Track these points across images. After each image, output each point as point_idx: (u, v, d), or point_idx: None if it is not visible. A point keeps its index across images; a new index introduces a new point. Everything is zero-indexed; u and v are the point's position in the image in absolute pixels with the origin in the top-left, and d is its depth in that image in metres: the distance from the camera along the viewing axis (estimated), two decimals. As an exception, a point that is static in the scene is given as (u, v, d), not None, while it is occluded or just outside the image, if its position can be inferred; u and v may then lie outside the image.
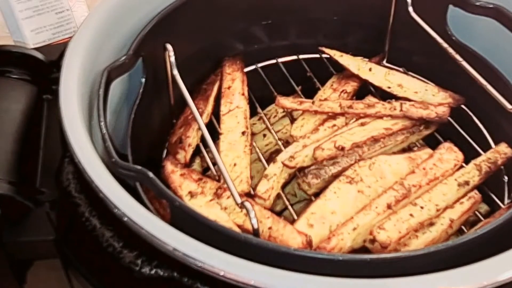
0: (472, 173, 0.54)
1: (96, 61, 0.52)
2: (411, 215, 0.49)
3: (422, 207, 0.50)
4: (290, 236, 0.47)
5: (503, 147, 0.56)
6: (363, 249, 0.49)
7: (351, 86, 0.65)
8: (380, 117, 0.59)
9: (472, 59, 0.59)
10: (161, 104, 0.61)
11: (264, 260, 0.36)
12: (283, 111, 0.66)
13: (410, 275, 0.35)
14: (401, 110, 0.59)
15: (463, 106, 0.62)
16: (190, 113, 0.60)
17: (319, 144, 0.55)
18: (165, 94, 0.61)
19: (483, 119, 0.62)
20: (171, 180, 0.52)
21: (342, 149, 0.54)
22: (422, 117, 0.58)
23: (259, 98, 0.66)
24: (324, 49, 0.68)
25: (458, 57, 0.59)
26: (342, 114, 0.60)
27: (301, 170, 0.55)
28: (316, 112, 0.60)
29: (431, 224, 0.50)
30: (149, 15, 0.58)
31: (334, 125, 0.59)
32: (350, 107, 0.60)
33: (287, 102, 0.62)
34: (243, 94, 0.63)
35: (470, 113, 0.62)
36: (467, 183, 0.53)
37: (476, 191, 0.53)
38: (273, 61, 0.70)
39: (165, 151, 0.61)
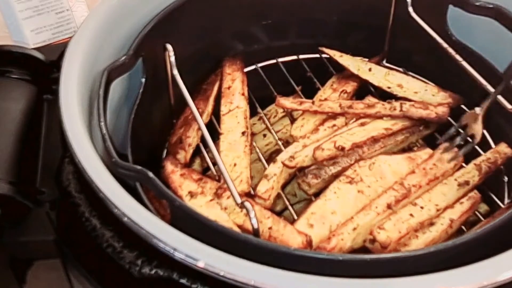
0: (472, 173, 0.54)
1: (96, 61, 0.52)
2: (411, 215, 0.49)
3: (422, 207, 0.50)
4: (290, 236, 0.47)
5: (503, 147, 0.56)
6: (363, 249, 0.49)
7: (351, 86, 0.65)
8: (380, 117, 0.59)
9: (472, 59, 0.59)
10: (161, 104, 0.61)
11: (264, 260, 0.36)
12: (283, 111, 0.66)
13: (410, 275, 0.35)
14: (401, 110, 0.59)
15: (463, 106, 0.62)
16: (190, 113, 0.60)
17: (319, 144, 0.55)
18: (165, 94, 0.61)
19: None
20: (171, 180, 0.52)
21: (342, 149, 0.54)
22: (422, 117, 0.58)
23: (259, 98, 0.66)
24: (324, 49, 0.68)
25: (458, 57, 0.59)
26: (342, 114, 0.60)
27: (301, 170, 0.55)
28: (316, 112, 0.60)
29: (431, 224, 0.50)
30: (149, 15, 0.58)
31: (334, 125, 0.59)
32: (350, 107, 0.60)
33: (287, 102, 0.62)
34: (243, 94, 0.63)
35: (470, 113, 0.62)
36: (467, 183, 0.53)
37: (476, 191, 0.53)
38: (273, 61, 0.70)
39: (165, 151, 0.61)
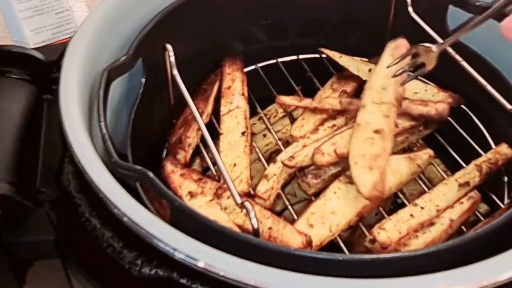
0: (472, 173, 0.54)
1: (96, 61, 0.52)
2: (411, 215, 0.49)
3: (422, 208, 0.50)
4: (290, 236, 0.47)
5: (503, 148, 0.56)
6: (363, 249, 0.49)
7: (351, 86, 0.65)
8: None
9: (472, 59, 0.59)
10: (161, 104, 0.61)
11: (264, 260, 0.36)
12: (283, 111, 0.66)
13: (410, 275, 0.35)
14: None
15: (463, 106, 0.62)
16: (190, 113, 0.60)
17: (319, 146, 0.55)
18: (165, 94, 0.61)
19: (483, 119, 0.62)
20: (171, 180, 0.52)
21: (342, 156, 0.54)
22: (422, 114, 0.58)
23: (259, 98, 0.66)
24: (323, 50, 0.68)
25: (458, 57, 0.59)
26: (342, 112, 0.60)
27: (301, 170, 0.55)
28: (315, 109, 0.60)
29: (431, 224, 0.50)
30: (149, 15, 0.58)
31: (334, 125, 0.59)
32: (350, 103, 0.59)
33: (287, 99, 0.62)
34: (243, 94, 0.63)
35: (470, 113, 0.62)
36: (467, 183, 0.53)
37: (475, 191, 0.53)
38: (273, 61, 0.70)
39: (165, 151, 0.61)
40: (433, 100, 0.61)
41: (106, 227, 0.42)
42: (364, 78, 0.65)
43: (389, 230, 0.48)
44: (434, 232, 0.49)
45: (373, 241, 0.48)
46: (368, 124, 0.54)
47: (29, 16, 0.73)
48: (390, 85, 0.56)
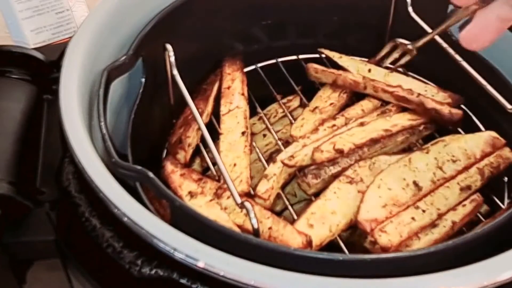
0: (474, 177, 0.53)
1: (96, 61, 0.52)
2: (413, 218, 0.49)
3: (424, 211, 0.50)
4: (290, 236, 0.47)
5: (506, 152, 0.56)
6: (364, 249, 0.49)
7: (351, 86, 0.65)
8: (397, 99, 0.60)
9: (472, 59, 0.59)
10: (161, 104, 0.61)
11: (264, 260, 0.36)
12: (283, 111, 0.66)
13: (410, 275, 0.35)
14: (418, 95, 0.59)
15: (463, 106, 0.62)
16: (190, 113, 0.60)
17: (318, 145, 0.55)
18: (165, 94, 0.61)
19: (483, 119, 0.62)
20: (171, 180, 0.52)
21: (341, 152, 0.54)
22: (434, 109, 0.57)
23: (259, 98, 0.66)
24: (323, 50, 0.68)
25: (458, 57, 0.59)
26: (342, 112, 0.60)
27: (301, 170, 0.55)
28: (316, 109, 0.61)
29: (434, 226, 0.50)
30: (149, 15, 0.58)
31: (334, 125, 0.59)
32: (373, 80, 0.61)
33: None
34: (243, 94, 0.63)
35: (470, 113, 0.62)
36: (469, 187, 0.53)
37: (478, 193, 0.53)
38: (273, 61, 0.70)
39: (165, 151, 0.61)
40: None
41: (106, 227, 0.42)
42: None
43: (390, 233, 0.47)
44: (436, 234, 0.49)
45: (374, 243, 0.48)
46: (417, 166, 0.53)
47: (29, 16, 0.73)
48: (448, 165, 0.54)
